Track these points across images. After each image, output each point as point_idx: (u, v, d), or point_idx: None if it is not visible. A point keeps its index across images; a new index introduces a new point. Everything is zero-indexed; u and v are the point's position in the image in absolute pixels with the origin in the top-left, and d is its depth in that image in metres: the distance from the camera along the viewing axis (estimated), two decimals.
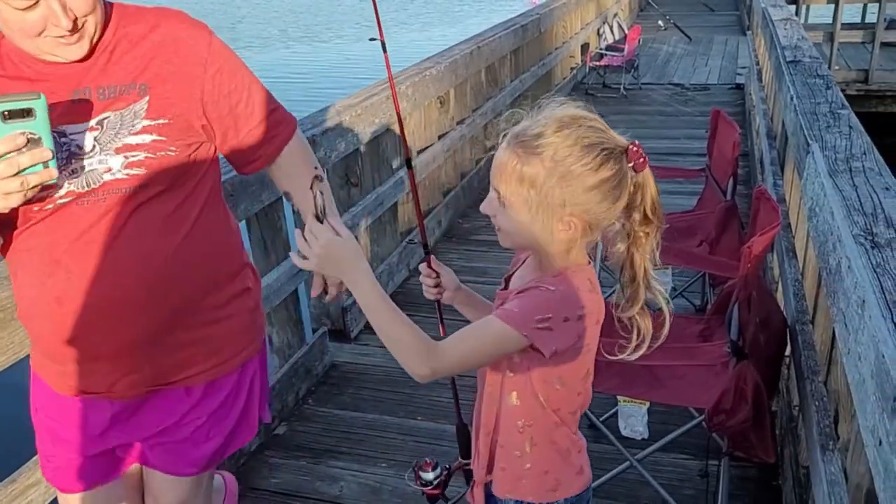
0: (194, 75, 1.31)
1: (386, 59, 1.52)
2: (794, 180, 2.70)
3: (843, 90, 3.02)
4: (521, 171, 1.09)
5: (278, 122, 1.45)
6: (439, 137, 4.20)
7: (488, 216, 1.18)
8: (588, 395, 1.25)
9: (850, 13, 9.38)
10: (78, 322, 1.30)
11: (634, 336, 1.17)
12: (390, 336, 1.11)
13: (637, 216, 1.12)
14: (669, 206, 3.67)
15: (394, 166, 3.61)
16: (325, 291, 1.51)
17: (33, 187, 1.15)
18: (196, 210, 1.36)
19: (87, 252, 1.28)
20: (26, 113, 1.10)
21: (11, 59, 1.23)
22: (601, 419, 2.15)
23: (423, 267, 1.32)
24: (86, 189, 1.26)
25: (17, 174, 1.12)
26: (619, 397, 2.05)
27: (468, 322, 1.29)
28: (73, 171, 1.25)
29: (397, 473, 2.36)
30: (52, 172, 1.14)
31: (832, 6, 8.43)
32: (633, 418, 2.00)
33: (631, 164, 1.10)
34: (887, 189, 1.79)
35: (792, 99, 2.79)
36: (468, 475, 1.63)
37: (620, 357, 1.18)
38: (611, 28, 8.67)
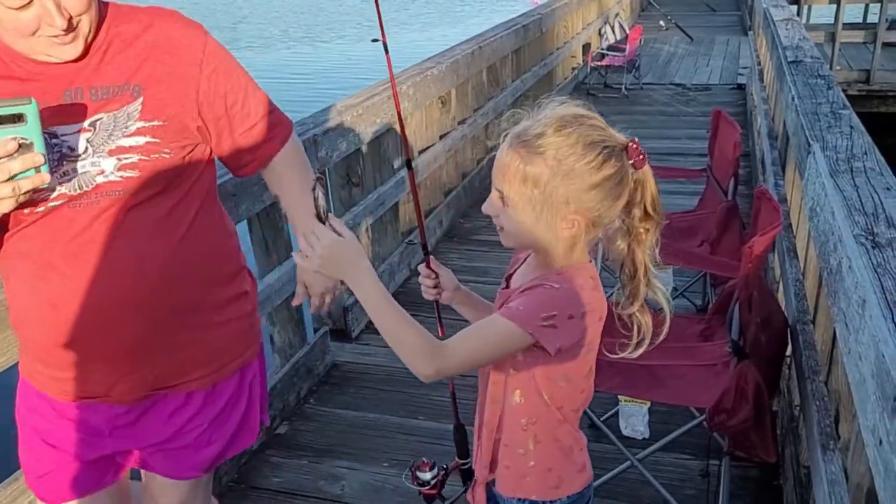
0: (189, 76, 1.29)
1: (388, 59, 1.51)
2: (796, 180, 2.70)
3: (844, 90, 3.03)
4: (524, 170, 1.09)
5: (274, 124, 1.43)
6: (441, 137, 4.20)
7: (489, 216, 1.18)
8: (590, 392, 1.26)
9: (851, 13, 9.38)
10: (74, 326, 1.28)
11: (635, 334, 1.18)
12: (395, 336, 1.11)
13: (637, 212, 1.13)
14: (670, 206, 3.68)
15: (395, 166, 3.61)
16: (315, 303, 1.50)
17: (25, 192, 1.13)
18: (192, 212, 1.34)
19: (81, 255, 1.26)
20: (17, 118, 1.09)
21: (2, 58, 1.20)
22: (602, 419, 2.15)
23: (421, 268, 1.33)
24: (78, 192, 1.24)
25: (8, 180, 1.10)
26: (620, 397, 2.05)
27: (466, 322, 1.30)
28: (64, 173, 1.22)
29: (399, 473, 2.37)
30: (45, 177, 1.13)
31: (834, 6, 8.42)
32: (634, 418, 2.00)
33: (631, 162, 1.11)
34: (888, 189, 1.79)
35: (793, 99, 2.80)
36: (465, 475, 1.64)
37: (622, 355, 1.19)
38: (612, 28, 8.67)
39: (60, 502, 1.43)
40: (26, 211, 1.22)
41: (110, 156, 1.24)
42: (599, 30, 8.67)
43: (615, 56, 7.78)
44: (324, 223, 1.11)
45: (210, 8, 27.14)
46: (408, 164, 1.55)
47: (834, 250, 1.63)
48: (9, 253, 1.29)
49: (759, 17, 6.61)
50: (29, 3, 1.12)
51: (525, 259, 1.27)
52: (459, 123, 4.49)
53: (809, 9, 9.93)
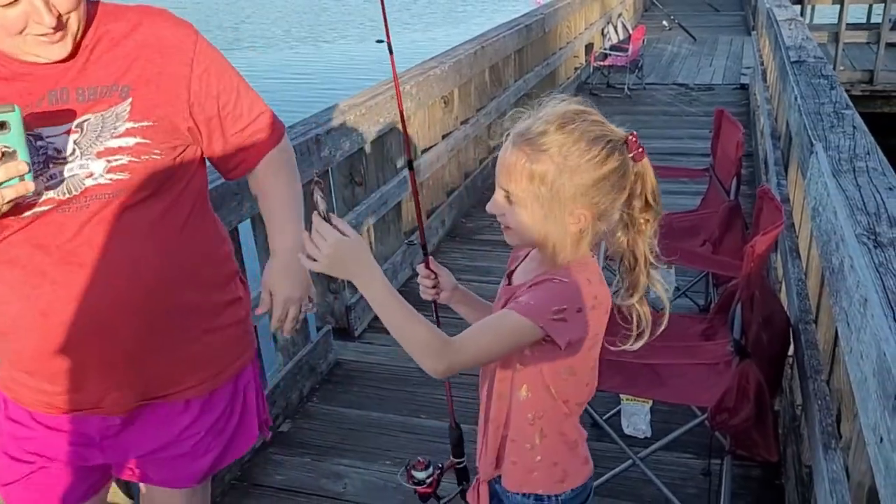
0: (180, 75, 1.26)
1: (392, 60, 1.51)
2: (798, 180, 2.71)
3: (847, 91, 3.03)
4: (530, 168, 1.11)
5: (267, 125, 1.40)
6: (443, 137, 4.21)
7: (491, 216, 1.19)
8: (594, 385, 1.28)
9: (855, 13, 9.37)
10: (66, 334, 1.24)
11: (634, 326, 1.19)
12: (405, 334, 1.11)
13: (638, 204, 1.15)
14: (673, 205, 3.68)
15: (398, 166, 3.62)
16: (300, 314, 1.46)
17: (9, 202, 1.11)
18: (184, 216, 1.32)
19: (73, 260, 1.22)
20: (0, 126, 1.07)
21: None
22: (604, 418, 2.16)
23: (420, 268, 1.33)
24: (67, 196, 1.20)
25: None
26: (621, 396, 2.06)
27: (464, 321, 1.31)
28: (51, 176, 1.19)
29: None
30: (29, 185, 1.11)
31: (837, 6, 8.41)
32: (636, 417, 2.00)
33: (631, 155, 1.13)
34: (890, 189, 1.80)
35: (796, 99, 2.80)
36: (460, 474, 1.65)
37: (623, 347, 1.20)
38: (615, 28, 8.66)
39: None
40: (12, 217, 1.18)
41: (99, 158, 1.20)
42: (602, 30, 8.67)
43: (618, 56, 7.78)
44: (329, 223, 1.11)
45: (212, 8, 27.18)
46: (409, 164, 1.56)
47: (836, 250, 1.63)
48: None
49: (762, 17, 6.61)
50: (16, 1, 1.08)
51: (525, 256, 1.28)
52: (462, 123, 4.49)
53: (813, 9, 9.91)
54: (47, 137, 1.18)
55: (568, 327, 1.12)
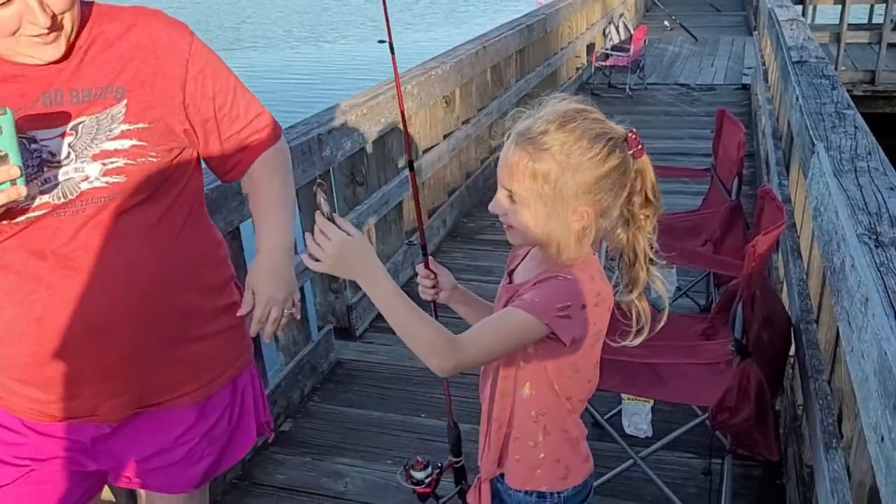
0: (175, 77, 1.24)
1: (393, 60, 1.51)
2: (800, 180, 2.71)
3: (849, 91, 3.03)
4: (533, 168, 1.11)
5: (264, 127, 1.38)
6: (444, 137, 4.21)
7: (492, 216, 1.20)
8: (595, 382, 1.28)
9: (856, 14, 9.36)
10: (62, 340, 1.22)
11: (634, 322, 1.20)
12: (412, 333, 1.11)
13: (638, 200, 1.16)
14: (674, 206, 3.68)
15: (399, 165, 3.62)
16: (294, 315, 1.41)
17: (1, 206, 1.09)
18: (181, 219, 1.30)
19: (68, 265, 1.20)
20: None
21: None
22: (605, 417, 2.16)
23: (419, 268, 1.34)
24: (62, 200, 1.18)
25: None
26: (623, 395, 2.06)
27: (462, 320, 1.32)
28: (45, 180, 1.17)
29: None
30: (21, 190, 1.09)
31: (839, 7, 8.41)
32: (637, 416, 2.00)
33: (631, 152, 1.14)
34: (892, 189, 1.80)
35: (797, 99, 2.80)
36: (458, 474, 1.65)
37: (623, 343, 1.21)
38: (616, 28, 8.66)
39: None
40: (5, 222, 1.16)
41: (94, 160, 1.19)
42: (604, 30, 8.67)
43: (619, 56, 7.78)
44: (333, 222, 1.11)
45: (213, 8, 27.20)
46: (410, 165, 1.56)
47: (837, 249, 1.63)
48: None
49: (763, 18, 6.61)
50: (9, 1, 1.06)
51: (525, 254, 1.29)
52: (463, 123, 4.49)
53: (814, 9, 9.91)
54: (41, 140, 1.16)
55: (572, 324, 1.13)
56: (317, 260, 1.09)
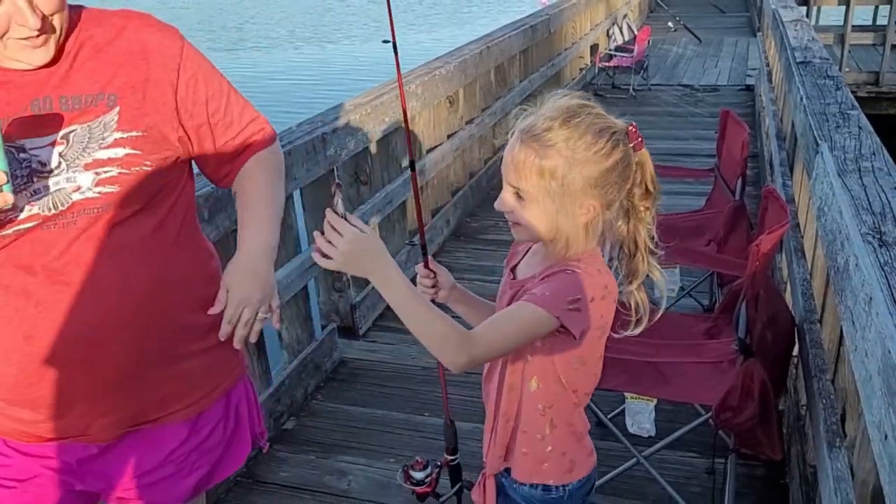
0: (167, 82, 1.21)
1: (396, 60, 1.52)
2: (804, 181, 2.71)
3: (853, 92, 3.03)
4: (540, 164, 1.13)
5: (258, 131, 1.36)
6: (448, 137, 4.22)
7: (496, 216, 1.21)
8: (599, 376, 1.29)
9: (861, 15, 9.34)
10: (51, 359, 1.18)
11: (633, 312, 1.22)
12: (424, 328, 1.12)
13: (638, 192, 1.18)
14: (677, 206, 3.68)
15: (403, 165, 3.63)
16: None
17: None
18: (174, 231, 1.26)
19: (59, 280, 1.16)
20: None
21: None
22: (609, 416, 2.16)
23: (419, 268, 1.35)
24: (53, 211, 1.13)
25: None
26: (626, 394, 2.06)
27: (461, 319, 1.31)
28: (35, 191, 1.12)
29: None
30: (7, 197, 1.05)
31: (843, 8, 8.40)
32: (641, 415, 2.01)
33: (632, 145, 1.16)
34: None
35: (802, 100, 2.80)
36: (453, 472, 1.65)
37: (624, 334, 1.23)
38: (620, 29, 8.67)
39: None
40: None
41: (87, 170, 1.15)
42: (607, 30, 8.68)
43: (623, 57, 7.78)
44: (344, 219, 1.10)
45: (217, 8, 27.26)
46: (411, 165, 1.56)
47: (841, 249, 1.64)
48: None
49: (767, 19, 6.60)
50: None
51: (527, 251, 1.30)
52: (467, 123, 4.50)
53: (819, 10, 9.91)
54: (31, 150, 1.12)
55: (582, 317, 1.14)
56: (328, 257, 1.09)
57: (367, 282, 3.24)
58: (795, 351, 2.21)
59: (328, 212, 1.10)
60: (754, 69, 8.09)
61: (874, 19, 10.68)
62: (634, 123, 1.18)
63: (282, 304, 2.64)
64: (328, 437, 2.59)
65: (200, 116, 1.26)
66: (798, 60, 3.41)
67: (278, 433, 2.60)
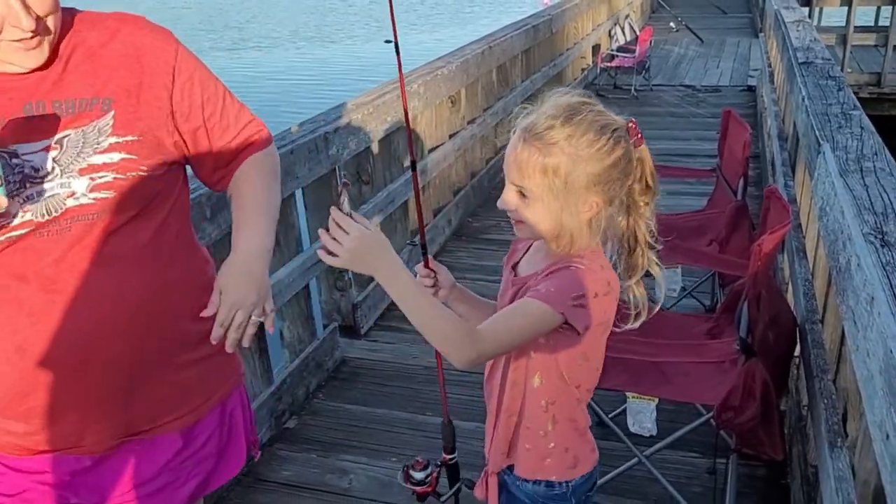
0: (162, 86, 1.19)
1: (398, 60, 1.52)
2: (806, 182, 2.71)
3: (855, 93, 3.02)
4: (543, 162, 1.13)
5: (255, 133, 1.34)
6: (450, 136, 4.22)
7: (498, 216, 1.21)
8: (600, 371, 1.30)
9: (863, 16, 9.34)
10: (44, 370, 1.15)
11: (633, 306, 1.23)
12: (431, 326, 1.12)
13: (638, 187, 1.19)
14: (679, 206, 3.68)
15: (405, 164, 3.63)
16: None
17: None
18: (171, 238, 1.25)
19: (53, 289, 1.13)
20: None
21: None
22: (610, 416, 2.16)
23: (419, 268, 1.34)
24: (46, 218, 1.11)
25: None
26: (627, 394, 2.06)
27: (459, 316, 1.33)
28: (28, 196, 1.10)
29: None
30: (1, 201, 1.03)
31: (845, 9, 8.40)
32: (642, 415, 2.01)
33: (632, 141, 1.17)
34: None
35: (803, 100, 2.80)
36: (451, 471, 1.66)
37: (625, 328, 1.24)
38: (622, 29, 8.66)
39: None
40: None
41: (82, 175, 1.13)
42: (609, 31, 8.68)
43: (625, 57, 7.78)
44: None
45: (219, 8, 27.28)
46: (412, 165, 1.56)
47: (843, 249, 1.64)
48: None
49: (769, 19, 6.60)
50: None
51: (527, 248, 1.31)
52: (469, 123, 4.50)
53: (821, 11, 9.90)
54: (23, 155, 1.10)
55: (586, 313, 1.15)
56: (333, 255, 1.08)
57: (368, 281, 3.29)
58: (797, 351, 2.21)
59: (333, 209, 1.09)
60: (756, 70, 8.09)
61: (876, 20, 10.68)
62: (634, 120, 1.19)
63: (283, 303, 2.66)
64: (329, 436, 2.59)
65: (196, 120, 1.24)
66: (800, 61, 3.41)
67: (280, 432, 2.61)
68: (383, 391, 2.85)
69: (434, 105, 3.95)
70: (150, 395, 1.26)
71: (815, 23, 8.54)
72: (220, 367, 1.36)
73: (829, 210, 1.89)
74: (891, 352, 1.15)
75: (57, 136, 1.12)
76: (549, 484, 1.30)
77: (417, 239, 1.53)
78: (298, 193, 2.79)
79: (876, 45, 8.40)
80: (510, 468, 1.33)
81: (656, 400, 1.99)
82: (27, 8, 1.03)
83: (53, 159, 1.11)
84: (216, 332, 1.24)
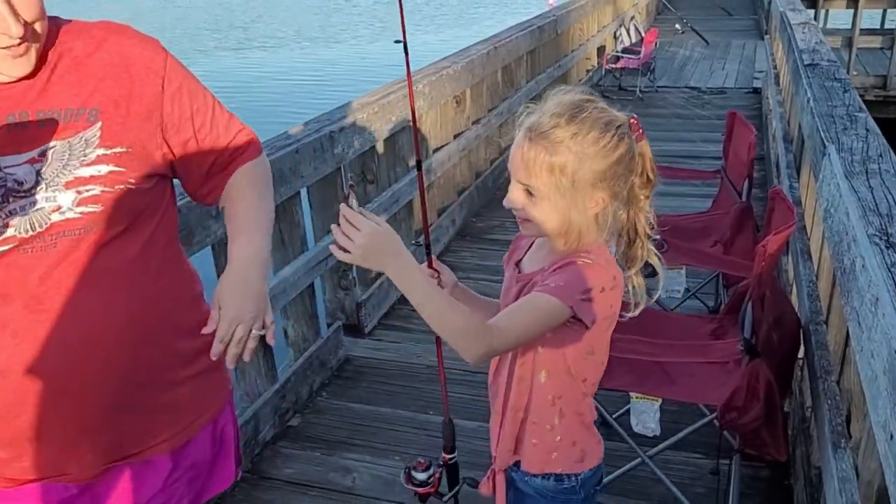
0: (151, 96, 1.16)
1: (406, 60, 1.53)
2: (810, 183, 2.71)
3: (861, 96, 3.02)
4: (550, 161, 1.14)
5: (244, 143, 1.31)
6: (455, 136, 4.23)
7: (502, 216, 1.23)
8: (605, 366, 1.31)
9: (869, 18, 9.32)
10: (30, 394, 1.11)
11: (632, 296, 1.24)
12: (444, 321, 1.12)
13: (639, 181, 1.20)
14: (684, 208, 3.67)
15: (409, 164, 3.64)
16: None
17: None
18: (159, 254, 1.21)
19: (37, 308, 1.09)
20: None
21: None
22: (613, 416, 2.16)
23: (423, 267, 1.35)
24: (30, 233, 1.07)
25: None
26: (631, 394, 2.06)
27: None
28: (11, 211, 1.06)
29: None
30: None
31: (851, 11, 8.38)
32: (646, 415, 2.01)
33: (634, 136, 1.18)
34: None
35: (809, 101, 2.80)
36: (451, 471, 1.66)
37: (627, 315, 1.25)
38: (627, 31, 8.65)
39: None
40: None
41: (68, 188, 1.09)
42: (615, 32, 8.67)
43: (630, 58, 7.78)
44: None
45: (223, 7, 27.33)
46: (418, 165, 1.56)
47: (848, 250, 1.64)
48: None
49: (775, 21, 6.59)
50: None
51: (530, 245, 1.32)
52: (474, 123, 4.51)
53: (826, 13, 9.88)
54: (6, 168, 1.06)
55: (594, 307, 1.16)
56: (345, 251, 1.09)
57: (372, 280, 3.30)
58: (801, 352, 2.21)
59: (343, 206, 1.09)
60: (761, 72, 8.07)
61: (882, 23, 10.64)
62: (635, 115, 1.21)
63: (288, 302, 2.66)
64: (333, 434, 2.60)
65: (187, 131, 1.21)
66: (806, 63, 3.41)
67: (283, 429, 2.62)
68: (387, 390, 2.86)
69: (439, 105, 3.96)
70: (139, 415, 1.22)
71: (820, 25, 8.52)
72: (210, 383, 1.33)
73: (833, 211, 1.89)
74: (895, 352, 1.15)
75: (41, 148, 1.08)
76: (559, 478, 1.31)
77: (421, 239, 1.53)
78: (303, 192, 2.79)
79: (882, 48, 8.39)
80: (517, 465, 1.34)
81: (660, 400, 1.99)
82: (15, 14, 0.99)
83: (38, 172, 1.07)
84: (216, 348, 1.20)
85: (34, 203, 1.07)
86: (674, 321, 2.32)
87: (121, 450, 1.22)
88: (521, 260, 1.33)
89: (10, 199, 1.06)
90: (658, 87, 8.05)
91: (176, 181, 1.31)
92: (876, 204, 1.73)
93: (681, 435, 2.06)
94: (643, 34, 8.50)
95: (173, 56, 1.21)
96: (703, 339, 2.19)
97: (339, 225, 1.08)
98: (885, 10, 10.22)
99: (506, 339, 1.16)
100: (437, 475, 1.63)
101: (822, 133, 2.35)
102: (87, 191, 1.10)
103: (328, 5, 27.91)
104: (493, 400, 1.36)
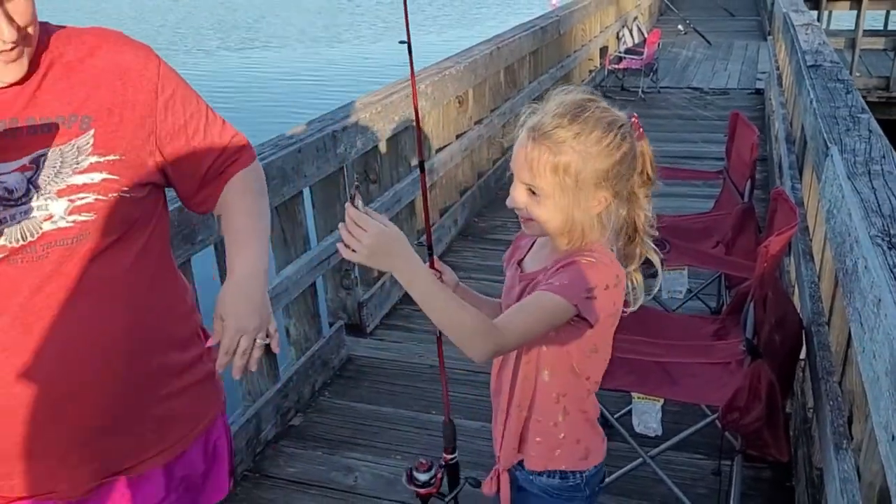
0: (145, 103, 1.14)
1: (410, 60, 1.53)
2: (813, 184, 2.70)
3: (864, 97, 3.02)
4: (553, 161, 1.15)
5: (237, 150, 1.29)
6: (457, 137, 4.23)
7: (504, 216, 1.23)
8: (608, 363, 1.32)
9: (872, 20, 9.31)
10: (20, 411, 1.08)
11: (631, 291, 1.25)
12: (451, 320, 1.12)
13: (639, 179, 1.21)
14: (686, 208, 3.67)
15: (412, 164, 3.64)
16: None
17: None
18: (153, 264, 1.20)
19: (28, 321, 1.06)
20: None
21: None
22: (615, 416, 2.16)
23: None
24: (20, 243, 1.04)
25: None
26: (633, 394, 2.06)
27: None
28: (1, 220, 1.03)
29: (411, 466, 2.39)
30: None
31: (854, 12, 8.38)
32: (647, 415, 2.01)
33: (635, 135, 1.19)
34: None
35: (812, 103, 2.79)
36: (451, 471, 1.66)
37: (627, 311, 1.26)
38: (630, 31, 8.65)
39: None
40: None
41: (60, 197, 1.06)
42: (617, 33, 8.67)
43: (633, 59, 7.78)
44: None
45: (227, 6, 27.36)
46: (421, 165, 1.56)
47: (850, 251, 1.64)
48: None
49: (778, 22, 6.59)
50: None
51: (531, 244, 1.33)
52: (476, 123, 4.51)
53: (830, 14, 9.88)
54: None
55: (598, 305, 1.17)
56: (352, 250, 1.09)
57: (374, 280, 3.31)
58: (803, 353, 2.21)
59: (349, 206, 1.09)
60: (764, 73, 8.07)
61: (886, 24, 10.64)
62: (635, 115, 1.22)
63: (290, 301, 2.67)
64: (335, 434, 2.60)
65: (181, 139, 1.20)
66: (809, 64, 3.41)
67: (285, 429, 2.62)
68: (389, 389, 2.86)
69: (441, 105, 3.96)
70: (132, 428, 1.20)
71: (823, 26, 8.51)
72: (202, 396, 1.31)
73: (836, 212, 1.89)
74: None
75: (32, 156, 1.05)
76: (563, 476, 1.32)
77: (423, 239, 1.53)
78: (306, 192, 2.80)
79: (885, 49, 8.39)
80: (520, 464, 1.34)
81: (661, 400, 1.99)
82: (8, 18, 0.98)
83: (29, 180, 1.05)
84: (222, 360, 1.21)
85: (25, 212, 1.04)
86: (676, 322, 2.32)
87: (114, 464, 1.20)
88: (522, 259, 1.34)
89: (0, 209, 1.04)
90: (661, 87, 8.05)
91: (169, 190, 1.30)
92: (879, 205, 1.73)
93: (682, 435, 2.06)
94: (646, 35, 8.50)
95: (166, 62, 1.20)
96: (705, 340, 2.19)
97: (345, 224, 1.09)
98: (888, 12, 10.22)
99: (512, 338, 1.17)
100: (438, 476, 1.64)
101: (824, 134, 2.35)
102: (80, 199, 1.08)
103: (331, 5, 27.94)
104: (497, 399, 1.36)
